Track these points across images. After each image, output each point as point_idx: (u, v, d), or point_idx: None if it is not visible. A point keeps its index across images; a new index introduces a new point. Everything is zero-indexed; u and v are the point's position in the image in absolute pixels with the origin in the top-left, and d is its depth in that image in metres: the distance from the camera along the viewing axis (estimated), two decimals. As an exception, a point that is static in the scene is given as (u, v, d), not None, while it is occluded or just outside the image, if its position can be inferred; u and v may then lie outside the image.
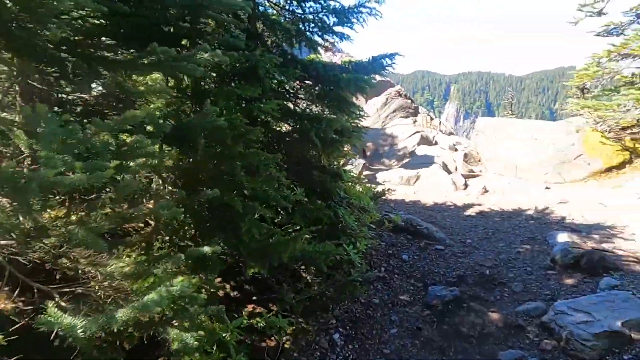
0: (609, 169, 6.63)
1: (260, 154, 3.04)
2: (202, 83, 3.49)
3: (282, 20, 4.25)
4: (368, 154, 9.04)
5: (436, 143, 11.05)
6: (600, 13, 7.45)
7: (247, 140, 3.24)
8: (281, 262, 3.03)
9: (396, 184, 7.29)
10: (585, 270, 4.12)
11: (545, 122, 8.30)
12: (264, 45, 4.29)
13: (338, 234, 4.56)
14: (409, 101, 12.81)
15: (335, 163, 4.94)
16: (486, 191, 6.65)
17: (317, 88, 4.30)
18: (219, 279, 3.34)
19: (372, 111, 12.61)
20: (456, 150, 10.50)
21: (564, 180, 6.96)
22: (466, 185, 6.97)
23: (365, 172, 7.91)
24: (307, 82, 4.32)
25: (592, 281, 3.94)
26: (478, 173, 7.93)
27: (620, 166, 6.61)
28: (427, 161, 7.91)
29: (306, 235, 3.43)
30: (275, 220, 4.31)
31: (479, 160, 8.45)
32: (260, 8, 4.13)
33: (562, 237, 4.72)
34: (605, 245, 4.49)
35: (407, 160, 8.19)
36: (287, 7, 4.33)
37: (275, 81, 4.01)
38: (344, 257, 4.23)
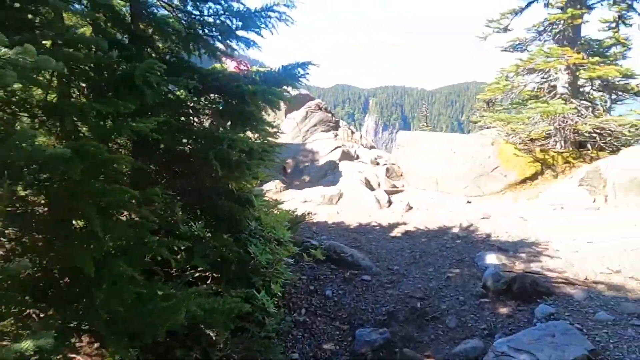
0: (524, 181, 6.76)
1: (124, 190, 2.20)
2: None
3: (173, 22, 3.47)
4: (289, 170, 8.42)
5: (358, 157, 10.79)
6: (506, 29, 7.72)
7: (111, 172, 2.40)
8: (156, 339, 2.21)
9: (318, 202, 6.73)
10: (518, 296, 3.84)
11: (461, 135, 8.38)
12: (155, 50, 3.47)
13: (248, 275, 3.82)
14: (330, 115, 12.49)
15: (249, 186, 4.20)
16: (410, 208, 6.36)
17: (221, 102, 3.59)
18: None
19: (292, 125, 12.06)
20: (378, 164, 10.30)
21: (483, 193, 6.96)
22: (390, 203, 6.63)
23: (285, 193, 7.27)
24: (212, 95, 3.59)
25: (527, 309, 3.65)
26: (401, 188, 7.69)
27: (533, 177, 6.77)
28: (349, 177, 7.50)
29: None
30: (167, 268, 3.48)
31: (401, 175, 8.26)
32: (151, 8, 3.32)
33: (491, 259, 4.46)
34: (533, 266, 4.30)
35: (329, 176, 7.71)
36: (181, 7, 3.56)
37: (168, 94, 3.22)
38: (257, 304, 3.49)
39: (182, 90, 3.30)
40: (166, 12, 3.44)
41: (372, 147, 12.24)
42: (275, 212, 4.67)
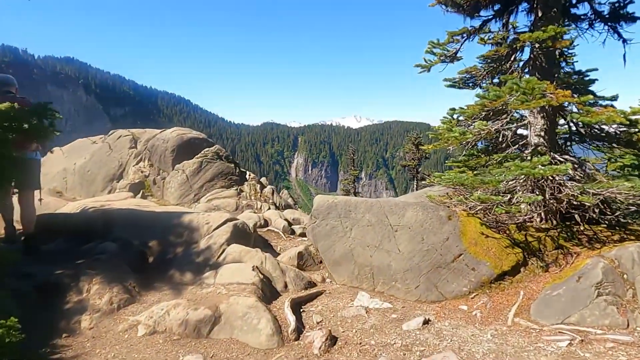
0: (501, 276, 4.48)
1: None
2: None
3: None
4: (150, 259, 5.39)
5: (266, 224, 8.01)
6: (454, 58, 5.72)
7: None
8: None
9: (176, 336, 3.77)
10: None
11: (401, 199, 5.97)
12: None
13: None
14: (232, 165, 9.66)
15: None
16: (332, 343, 3.65)
17: None
18: None
19: (180, 180, 9.03)
20: (291, 234, 7.58)
21: (444, 296, 4.55)
22: (299, 332, 3.87)
23: (123, 313, 4.21)
24: None
25: None
26: (319, 288, 5.01)
27: (514, 271, 4.52)
28: (239, 273, 4.68)
29: None
30: None
31: (321, 262, 5.65)
32: None
33: None
34: None
35: (208, 273, 4.84)
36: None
37: None
38: None
39: None
40: None
41: (287, 207, 9.55)
42: None
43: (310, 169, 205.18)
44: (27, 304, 4.24)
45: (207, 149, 9.66)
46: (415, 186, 20.65)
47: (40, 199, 7.42)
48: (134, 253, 5.52)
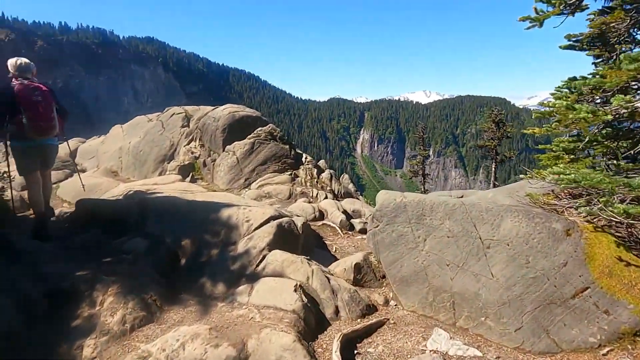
0: (651, 329, 3.00)
1: None
2: None
3: None
4: (182, 261, 4.57)
5: (321, 217, 6.95)
6: (576, 8, 4.03)
7: None
8: None
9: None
10: None
11: (490, 203, 4.46)
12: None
13: None
14: (287, 147, 8.66)
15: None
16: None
17: None
18: None
19: (230, 163, 8.24)
20: (349, 232, 6.46)
21: (559, 347, 3.18)
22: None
23: (134, 339, 3.42)
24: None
25: None
26: (380, 313, 3.86)
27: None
28: (279, 290, 3.68)
29: None
30: None
31: (383, 277, 4.46)
32: None
33: None
34: None
35: (243, 287, 3.88)
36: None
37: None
38: None
39: None
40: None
41: (347, 195, 8.39)
42: None
43: (376, 145, 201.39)
44: (33, 315, 3.60)
45: (260, 128, 8.73)
46: (493, 169, 18.35)
47: (83, 185, 7.04)
48: (164, 253, 4.75)
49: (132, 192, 6.86)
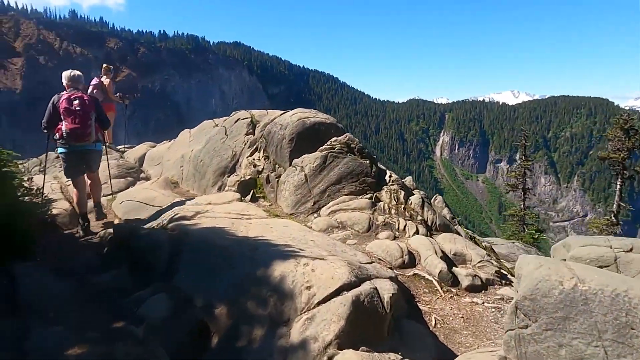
0: None
1: None
2: None
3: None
4: (214, 340, 3.03)
5: (411, 262, 5.11)
6: None
7: None
8: None
9: None
10: None
11: None
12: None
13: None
14: (367, 162, 6.93)
15: None
16: None
17: None
18: None
19: (298, 181, 6.73)
20: (459, 286, 4.55)
21: None
22: None
23: None
24: None
25: None
26: None
27: None
28: None
29: None
30: None
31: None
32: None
33: None
34: None
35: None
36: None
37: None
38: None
39: None
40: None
41: (443, 228, 6.42)
42: None
43: (457, 148, 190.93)
44: None
45: (334, 138, 7.10)
46: (618, 187, 14.74)
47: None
48: (190, 325, 3.31)
49: (177, 216, 5.67)
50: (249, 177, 7.46)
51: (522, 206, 17.34)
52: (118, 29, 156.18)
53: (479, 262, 5.29)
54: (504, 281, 5.09)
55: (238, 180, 7.35)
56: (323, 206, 6.47)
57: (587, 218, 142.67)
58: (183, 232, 4.70)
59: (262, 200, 7.19)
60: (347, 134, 7.24)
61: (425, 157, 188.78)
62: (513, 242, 13.70)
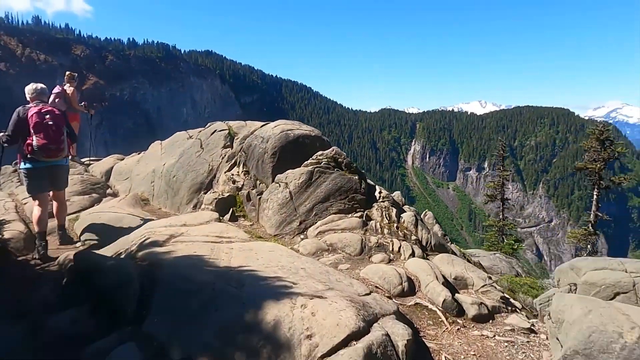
0: None
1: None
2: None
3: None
4: None
5: (411, 290, 4.68)
6: None
7: None
8: None
9: None
10: None
11: None
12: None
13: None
14: (356, 178, 6.51)
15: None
16: None
17: None
18: None
19: (282, 198, 6.21)
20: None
21: None
22: None
23: None
24: None
25: None
26: None
27: None
28: None
29: None
30: None
31: None
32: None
33: None
34: None
35: None
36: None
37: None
38: None
39: None
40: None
41: (437, 247, 6.05)
42: None
43: (427, 156, 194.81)
44: None
45: (320, 152, 6.65)
46: (595, 198, 14.96)
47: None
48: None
49: (148, 241, 5.03)
50: (228, 194, 6.88)
51: (500, 216, 17.39)
52: (85, 36, 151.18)
53: (482, 286, 4.92)
54: (509, 307, 4.74)
55: (216, 198, 6.76)
56: (310, 226, 5.98)
57: (552, 223, 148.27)
58: (156, 263, 4.09)
59: (243, 219, 6.62)
60: (333, 147, 6.80)
61: (398, 165, 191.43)
62: (494, 254, 13.62)
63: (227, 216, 6.53)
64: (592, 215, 14.86)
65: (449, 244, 6.48)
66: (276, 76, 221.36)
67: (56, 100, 10.39)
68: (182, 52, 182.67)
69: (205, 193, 7.23)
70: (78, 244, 6.31)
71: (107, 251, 5.51)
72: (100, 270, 4.09)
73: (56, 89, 10.56)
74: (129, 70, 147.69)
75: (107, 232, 6.47)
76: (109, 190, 9.52)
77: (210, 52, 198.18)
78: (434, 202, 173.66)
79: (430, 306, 4.38)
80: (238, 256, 4.48)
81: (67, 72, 11.18)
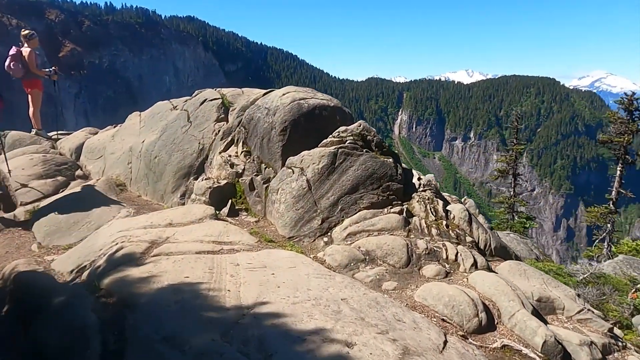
0: None
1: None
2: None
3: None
4: None
5: (490, 324, 3.39)
6: None
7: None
8: None
9: None
10: None
11: None
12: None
13: None
14: (390, 160, 5.09)
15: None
16: None
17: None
18: None
19: (298, 189, 4.80)
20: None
21: None
22: None
23: None
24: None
25: None
26: None
27: None
28: None
29: None
30: None
31: None
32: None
33: None
34: None
35: None
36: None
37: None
38: None
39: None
40: None
41: (498, 251, 4.77)
42: None
43: (414, 126, 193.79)
44: None
45: (342, 128, 5.20)
46: (618, 173, 13.93)
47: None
48: None
49: (120, 253, 3.62)
50: (225, 181, 5.42)
51: (512, 193, 16.35)
52: (59, 0, 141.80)
53: (578, 312, 3.67)
54: (619, 343, 3.52)
55: (210, 187, 5.30)
56: (335, 225, 4.61)
57: (535, 192, 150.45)
58: (128, 301, 2.69)
59: (245, 214, 5.21)
60: (360, 121, 5.34)
61: (385, 135, 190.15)
62: (508, 234, 12.65)
63: (225, 210, 5.11)
64: (613, 192, 13.88)
65: (507, 244, 5.21)
66: (261, 44, 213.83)
67: (12, 63, 8.64)
68: (163, 17, 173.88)
69: (195, 179, 5.77)
70: (34, 246, 4.85)
71: (69, 262, 4.09)
72: (43, 314, 2.68)
73: (12, 51, 8.77)
74: (107, 37, 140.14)
75: (71, 230, 5.03)
76: (78, 172, 7.92)
77: (193, 18, 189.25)
78: (420, 171, 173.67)
79: (524, 350, 3.10)
80: (249, 282, 3.11)
81: (23, 30, 9.28)
